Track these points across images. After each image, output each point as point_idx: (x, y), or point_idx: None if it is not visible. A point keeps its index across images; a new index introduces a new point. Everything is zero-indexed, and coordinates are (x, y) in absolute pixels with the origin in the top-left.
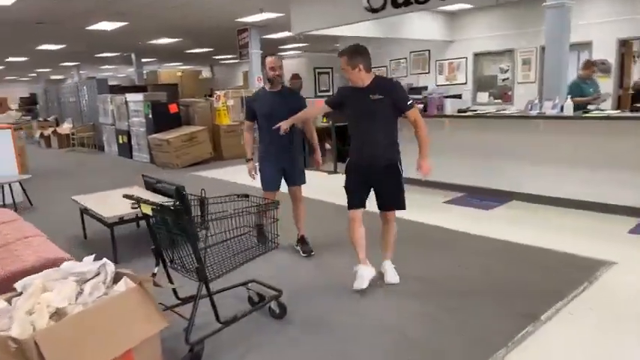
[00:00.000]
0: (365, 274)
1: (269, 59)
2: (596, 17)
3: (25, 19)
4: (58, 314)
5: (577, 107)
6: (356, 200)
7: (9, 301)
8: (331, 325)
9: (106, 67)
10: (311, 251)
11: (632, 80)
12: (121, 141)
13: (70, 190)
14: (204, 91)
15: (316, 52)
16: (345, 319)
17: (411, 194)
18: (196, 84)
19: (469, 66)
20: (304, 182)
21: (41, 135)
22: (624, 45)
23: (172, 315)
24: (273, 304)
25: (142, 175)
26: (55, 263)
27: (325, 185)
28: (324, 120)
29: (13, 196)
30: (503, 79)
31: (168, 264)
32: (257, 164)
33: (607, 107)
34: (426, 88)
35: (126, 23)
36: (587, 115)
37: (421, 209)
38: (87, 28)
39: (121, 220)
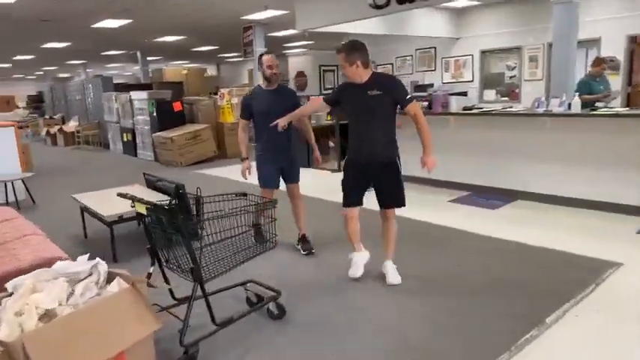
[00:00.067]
0: (359, 260)
1: (266, 57)
2: (604, 13)
3: (29, 17)
4: (48, 316)
5: (585, 105)
6: (352, 198)
7: None
8: (331, 326)
9: (113, 65)
10: (311, 249)
11: None
12: (125, 139)
13: (74, 188)
14: (209, 89)
15: (321, 49)
16: (345, 319)
17: (415, 193)
18: (201, 82)
19: (476, 63)
20: (299, 180)
21: (47, 133)
22: (633, 42)
23: (168, 316)
24: (271, 305)
25: (143, 174)
26: (51, 263)
27: (328, 184)
28: (329, 118)
29: (15, 194)
30: (511, 77)
31: (164, 264)
32: (252, 163)
33: (616, 105)
34: (431, 85)
35: (130, 21)
36: (595, 112)
37: (426, 208)
38: (92, 26)
39: (121, 219)
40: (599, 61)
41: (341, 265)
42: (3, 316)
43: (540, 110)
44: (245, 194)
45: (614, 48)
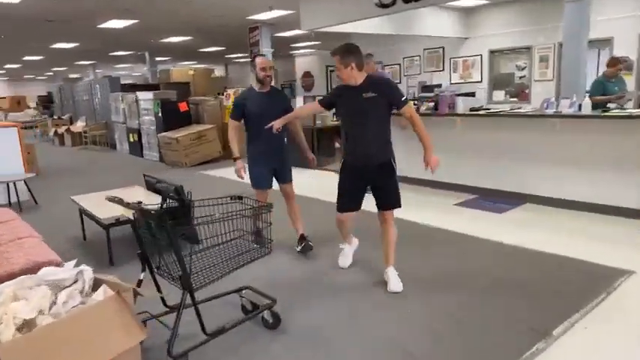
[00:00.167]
0: (350, 251)
1: (260, 60)
2: (617, 12)
3: (35, 17)
4: (27, 326)
5: (597, 106)
6: (347, 203)
7: None
8: (329, 335)
9: (122, 65)
10: (310, 246)
11: None
12: (131, 139)
13: (78, 189)
14: (217, 90)
15: (328, 50)
16: (343, 329)
17: (421, 195)
18: (208, 82)
19: (484, 63)
20: (292, 179)
21: (55, 133)
22: None
23: (159, 324)
24: (266, 314)
25: (144, 175)
26: (43, 267)
27: (333, 185)
28: (334, 119)
29: (17, 195)
30: (520, 77)
31: (155, 270)
32: (246, 164)
33: (629, 106)
34: (439, 86)
35: (136, 21)
36: (606, 114)
37: (430, 211)
38: (98, 26)
39: (118, 222)
40: (614, 61)
41: (340, 270)
42: None
43: (550, 111)
44: (241, 197)
45: (627, 48)
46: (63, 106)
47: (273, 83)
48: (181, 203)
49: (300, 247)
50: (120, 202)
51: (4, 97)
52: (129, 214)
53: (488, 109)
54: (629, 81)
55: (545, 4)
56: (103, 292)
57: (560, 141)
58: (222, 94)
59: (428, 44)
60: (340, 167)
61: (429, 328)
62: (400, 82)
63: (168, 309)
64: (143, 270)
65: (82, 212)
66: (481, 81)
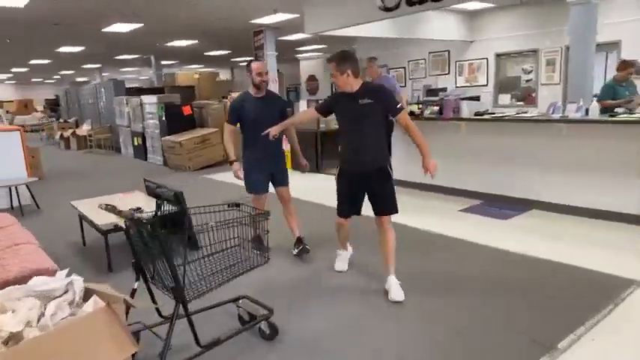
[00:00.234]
0: (345, 258)
1: (255, 65)
2: (625, 15)
3: (39, 21)
4: (14, 339)
5: (606, 110)
6: (346, 209)
7: None
8: (327, 347)
9: (128, 69)
10: (307, 249)
11: None
12: (136, 143)
13: (80, 193)
14: (222, 94)
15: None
16: (343, 340)
17: (425, 201)
18: (214, 86)
19: (490, 67)
20: (288, 183)
21: (61, 136)
22: None
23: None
24: (263, 325)
25: (144, 180)
26: (38, 274)
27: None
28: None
29: (19, 199)
30: (527, 81)
31: (150, 280)
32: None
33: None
34: (444, 89)
35: (140, 25)
36: (613, 119)
37: (434, 217)
38: (102, 29)
39: (116, 228)
40: (625, 65)
41: (338, 275)
42: None
43: (556, 116)
44: (238, 205)
45: (635, 51)
46: (69, 109)
47: (277, 87)
48: (181, 209)
49: (296, 251)
50: (112, 210)
51: (12, 101)
52: (121, 222)
53: (493, 114)
54: (638, 85)
55: (552, 7)
56: (93, 304)
57: (566, 146)
58: (227, 98)
59: (433, 47)
60: (337, 173)
61: (429, 339)
62: (405, 86)
63: (163, 319)
64: (137, 279)
65: (81, 218)
66: (487, 84)
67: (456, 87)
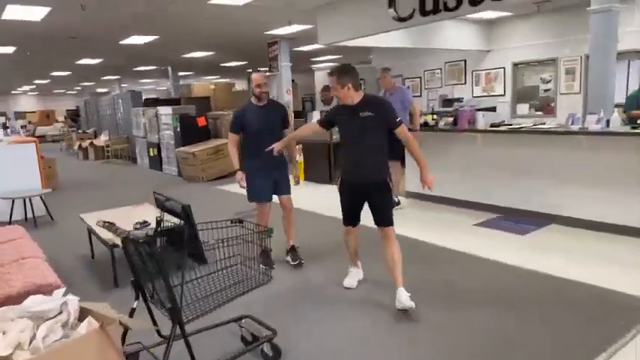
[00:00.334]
0: (355, 276)
1: (255, 76)
2: None
3: (57, 34)
4: None
5: (632, 121)
6: (350, 219)
7: None
8: None
9: (147, 80)
10: (301, 260)
11: None
12: (151, 154)
13: (94, 204)
14: (238, 104)
15: (350, 63)
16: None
17: (440, 214)
18: (229, 97)
19: (508, 76)
20: (290, 192)
21: (79, 147)
22: None
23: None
24: (265, 347)
25: (154, 192)
26: (41, 290)
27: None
28: None
29: (33, 210)
30: (545, 90)
31: (149, 299)
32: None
33: None
34: (461, 99)
35: (157, 37)
36: (636, 130)
37: (447, 232)
38: (120, 42)
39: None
40: None
41: (343, 290)
42: None
43: (575, 127)
44: (241, 221)
45: None
46: (88, 120)
47: (291, 98)
48: (179, 226)
49: (292, 261)
50: (109, 227)
51: (34, 112)
52: (118, 240)
53: (510, 125)
54: None
55: (571, 16)
56: (87, 325)
57: (587, 158)
58: None
59: (449, 57)
60: (338, 188)
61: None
62: (421, 96)
63: (162, 339)
64: (137, 298)
65: (90, 231)
66: (504, 94)
67: (473, 97)
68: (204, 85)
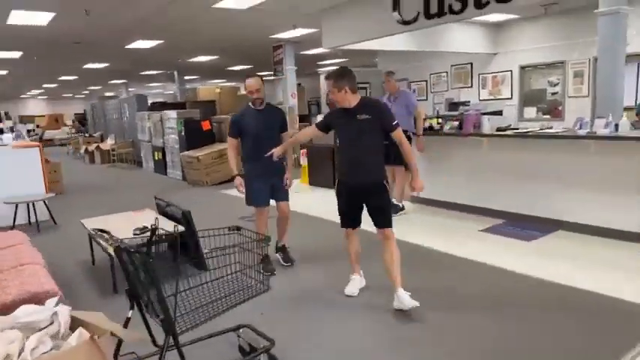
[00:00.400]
0: (357, 284)
1: (247, 83)
2: None
3: (63, 39)
4: None
5: None
6: (349, 222)
7: None
8: None
9: (154, 84)
10: (292, 260)
11: None
12: (156, 157)
13: (98, 209)
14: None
15: (355, 67)
16: None
17: (445, 219)
18: (235, 100)
19: (515, 79)
20: (288, 198)
21: (86, 150)
22: None
23: None
24: (263, 358)
25: (155, 197)
26: (37, 297)
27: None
28: None
29: (36, 215)
30: (553, 93)
31: (145, 308)
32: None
33: None
34: (467, 103)
35: (161, 41)
36: None
37: (452, 238)
38: (125, 47)
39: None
40: None
41: (345, 299)
42: None
43: (583, 132)
44: (239, 228)
45: None
46: (95, 124)
47: (296, 101)
48: (189, 230)
49: (285, 264)
50: (101, 236)
51: (43, 115)
52: (111, 250)
53: (517, 129)
54: None
55: (579, 18)
56: (77, 337)
57: (594, 163)
58: None
59: (455, 60)
60: (335, 191)
61: None
62: (427, 99)
63: (157, 349)
64: (131, 308)
65: (91, 236)
66: (511, 97)
67: (479, 100)
68: (209, 88)
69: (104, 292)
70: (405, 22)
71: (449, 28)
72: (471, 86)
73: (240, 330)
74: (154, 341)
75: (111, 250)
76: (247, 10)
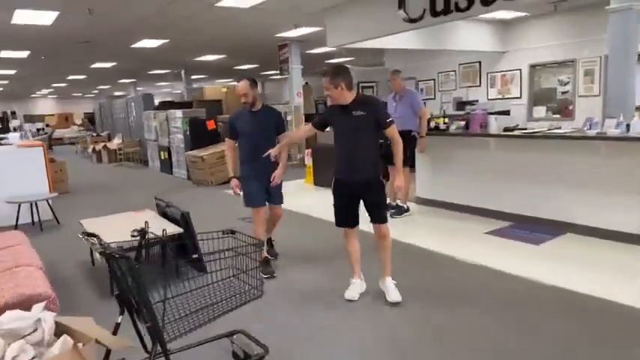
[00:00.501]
0: (358, 288)
1: (237, 86)
2: None
3: (69, 38)
4: None
5: None
6: (346, 221)
7: None
8: None
9: (162, 83)
10: (276, 254)
11: None
12: (162, 157)
13: (101, 209)
14: None
15: (362, 66)
16: None
17: (450, 221)
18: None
19: (524, 78)
20: (282, 200)
21: (93, 149)
22: None
23: None
24: None
25: (155, 198)
26: (30, 300)
27: None
28: None
29: (39, 215)
30: (563, 92)
31: (135, 313)
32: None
33: None
34: (475, 102)
35: (166, 41)
36: None
37: (456, 240)
38: (131, 46)
39: (120, 249)
40: None
41: (345, 303)
42: None
43: (593, 132)
44: (233, 232)
45: None
46: (103, 123)
47: (302, 101)
48: (187, 231)
49: (269, 255)
50: (88, 240)
51: (53, 114)
52: (97, 254)
53: (524, 129)
54: None
55: (589, 15)
56: (60, 345)
57: (604, 164)
58: None
59: (463, 59)
60: (332, 188)
61: None
62: (434, 98)
63: (148, 354)
64: (121, 313)
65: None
66: (520, 97)
67: (488, 99)
68: (216, 88)
69: (102, 294)
70: (411, 20)
71: (457, 26)
72: (480, 85)
73: (234, 336)
74: (145, 347)
75: (97, 255)
76: (249, 9)
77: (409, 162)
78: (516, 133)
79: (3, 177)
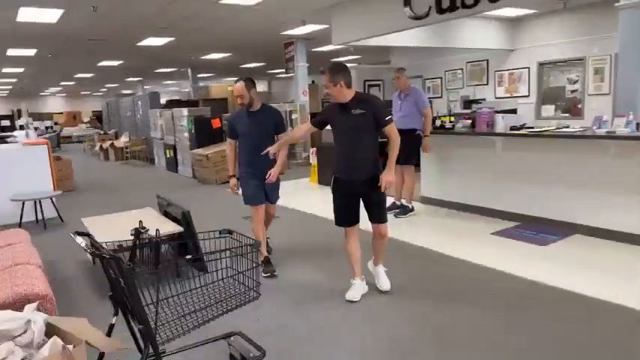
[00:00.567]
0: (359, 289)
1: (234, 87)
2: None
3: (75, 36)
4: None
5: None
6: (347, 219)
7: None
8: None
9: (168, 82)
10: (270, 249)
11: None
12: (168, 155)
13: (105, 207)
14: None
15: (369, 64)
16: None
17: (456, 221)
18: None
19: (532, 77)
20: (278, 199)
21: (100, 147)
22: None
23: None
24: None
25: (157, 196)
26: (27, 299)
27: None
28: None
29: (42, 212)
30: (572, 91)
31: (129, 314)
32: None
33: None
34: (482, 101)
35: (172, 39)
36: None
37: (461, 241)
38: (137, 44)
39: (120, 248)
40: None
41: (346, 305)
42: None
43: (602, 131)
44: (231, 232)
45: None
46: (110, 121)
47: (307, 99)
48: (188, 230)
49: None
50: (80, 240)
51: (62, 112)
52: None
53: (532, 128)
54: None
55: (599, 12)
56: (50, 347)
57: (614, 164)
58: None
59: (471, 57)
60: (331, 187)
61: None
62: (441, 97)
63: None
64: (115, 314)
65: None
66: (529, 95)
67: (495, 98)
68: (222, 86)
69: (102, 294)
70: (417, 17)
71: (464, 24)
72: (487, 83)
73: (232, 338)
74: (139, 348)
75: (89, 256)
76: (255, 6)
77: (414, 161)
78: (523, 132)
79: (8, 175)
